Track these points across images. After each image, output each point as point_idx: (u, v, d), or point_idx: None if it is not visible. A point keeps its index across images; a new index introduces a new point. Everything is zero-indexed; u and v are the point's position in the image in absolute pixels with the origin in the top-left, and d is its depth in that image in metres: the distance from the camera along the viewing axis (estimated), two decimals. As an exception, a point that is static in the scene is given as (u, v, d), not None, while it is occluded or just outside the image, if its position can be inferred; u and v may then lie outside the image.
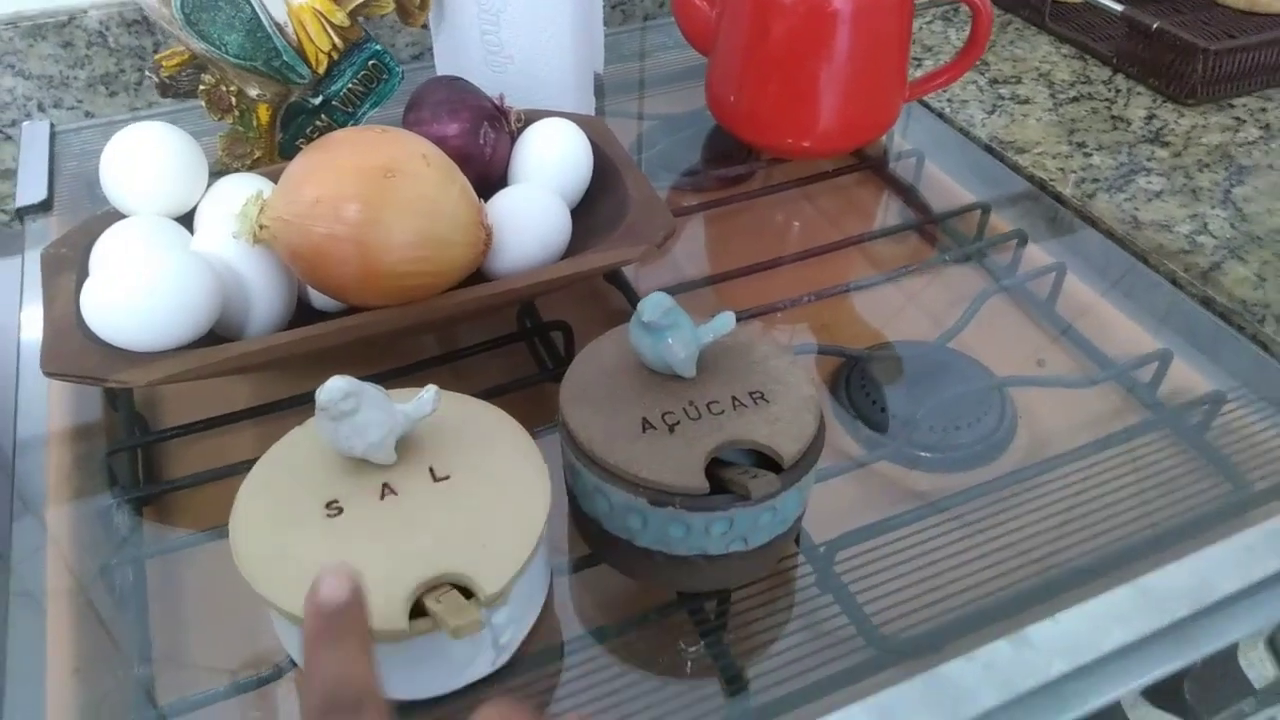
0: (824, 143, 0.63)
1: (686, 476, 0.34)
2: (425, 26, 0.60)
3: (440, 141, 0.46)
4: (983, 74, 0.79)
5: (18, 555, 0.42)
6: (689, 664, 0.39)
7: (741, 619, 0.40)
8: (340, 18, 0.53)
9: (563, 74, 0.61)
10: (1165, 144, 0.71)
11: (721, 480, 0.35)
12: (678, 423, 0.36)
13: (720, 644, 0.39)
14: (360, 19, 0.55)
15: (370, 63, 0.56)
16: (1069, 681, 0.36)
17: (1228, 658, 0.45)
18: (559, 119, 0.52)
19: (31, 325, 0.53)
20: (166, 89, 0.54)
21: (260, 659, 0.38)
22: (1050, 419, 0.49)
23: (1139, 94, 0.77)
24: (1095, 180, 0.67)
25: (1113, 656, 0.37)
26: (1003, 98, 0.76)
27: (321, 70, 0.54)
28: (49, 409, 0.49)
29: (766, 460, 0.36)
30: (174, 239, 0.45)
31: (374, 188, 0.41)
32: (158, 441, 0.47)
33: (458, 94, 0.50)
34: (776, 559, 0.40)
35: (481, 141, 0.50)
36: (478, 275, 0.47)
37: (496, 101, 0.52)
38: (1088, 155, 0.69)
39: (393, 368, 0.50)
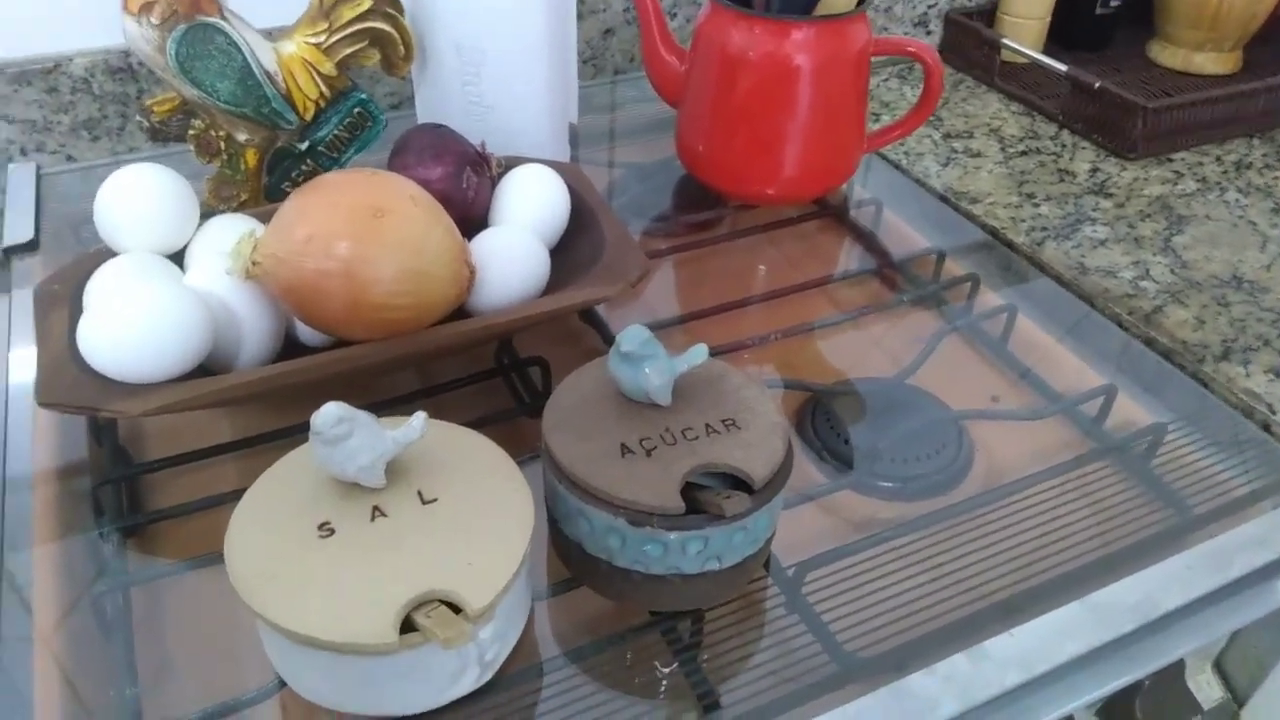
0: (788, 190, 0.66)
1: (664, 497, 0.36)
2: (407, 77, 0.62)
3: (424, 184, 0.49)
4: (937, 129, 0.84)
5: (6, 584, 0.43)
6: (664, 683, 0.40)
7: (713, 639, 0.41)
8: (328, 68, 0.56)
9: (540, 123, 0.63)
10: (1109, 195, 0.75)
11: (697, 502, 0.37)
12: (655, 448, 0.38)
13: (694, 664, 0.40)
14: (347, 69, 0.57)
15: (356, 110, 0.58)
16: (1024, 693, 0.38)
17: (1176, 677, 0.48)
18: (538, 165, 0.55)
19: (19, 365, 0.54)
20: (157, 133, 0.55)
21: (247, 682, 0.39)
22: (1005, 451, 0.52)
23: (1084, 148, 0.82)
24: (1044, 229, 0.70)
25: (1065, 669, 0.39)
26: (956, 151, 0.80)
27: (309, 117, 0.56)
28: (34, 447, 0.50)
29: (739, 484, 0.38)
30: (167, 275, 0.46)
31: (364, 226, 0.43)
32: (144, 473, 0.48)
33: (442, 140, 0.52)
34: (748, 579, 0.41)
35: (464, 185, 0.52)
36: (461, 312, 0.49)
37: (479, 148, 0.54)
38: (1036, 205, 0.73)
39: (375, 401, 0.51)
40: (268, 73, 0.54)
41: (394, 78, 0.62)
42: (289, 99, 0.55)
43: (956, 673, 0.38)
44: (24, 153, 0.71)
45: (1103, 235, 0.70)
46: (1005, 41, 0.88)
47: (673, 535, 0.37)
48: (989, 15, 0.95)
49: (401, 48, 0.58)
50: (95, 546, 0.44)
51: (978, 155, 0.80)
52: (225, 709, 0.38)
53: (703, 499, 0.37)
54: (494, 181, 0.54)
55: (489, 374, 0.54)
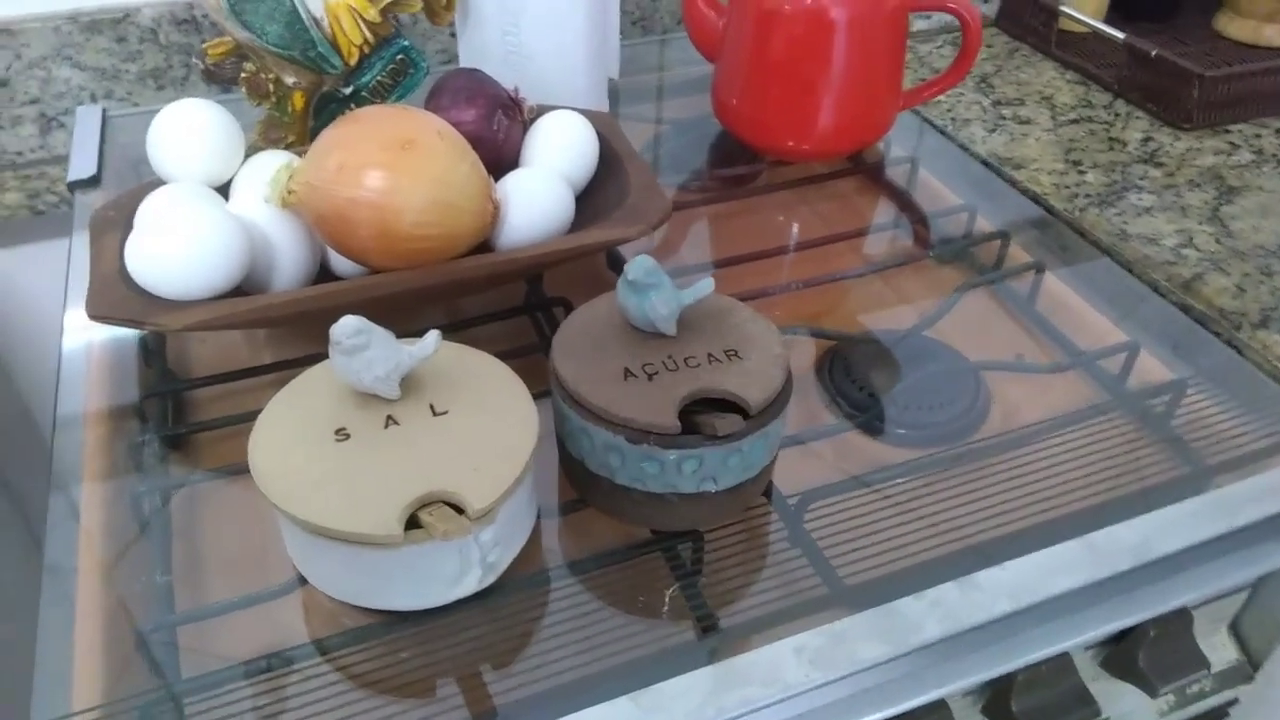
0: (822, 145, 0.66)
1: (660, 416, 0.38)
2: (450, 27, 0.64)
3: (457, 125, 0.50)
4: (987, 95, 0.83)
5: (57, 482, 0.46)
6: (666, 605, 0.41)
7: (714, 566, 0.43)
8: (372, 14, 0.58)
9: (577, 75, 0.65)
10: (1159, 164, 0.74)
11: (696, 425, 0.39)
12: (656, 373, 0.40)
13: (694, 587, 0.42)
14: (391, 16, 0.59)
15: (398, 57, 0.60)
16: (1019, 626, 0.39)
17: (1183, 631, 0.47)
18: (568, 111, 0.56)
19: (77, 293, 0.57)
20: (212, 75, 0.58)
21: (271, 580, 0.41)
22: (1023, 405, 0.52)
23: (1138, 118, 0.80)
24: (1087, 196, 0.69)
25: (1061, 605, 0.40)
26: (1004, 118, 0.80)
27: (353, 62, 0.59)
28: (89, 368, 0.53)
29: (741, 414, 0.39)
30: (211, 200, 0.49)
31: (393, 157, 0.45)
32: (188, 389, 0.51)
33: (475, 83, 0.54)
34: (744, 505, 0.43)
35: (495, 127, 0.54)
36: (487, 249, 0.51)
37: (511, 93, 0.56)
38: (1082, 173, 0.72)
39: (403, 333, 0.53)
40: (314, 18, 0.56)
41: (437, 26, 0.64)
42: (334, 44, 0.57)
43: (945, 599, 0.39)
44: (94, 99, 0.75)
45: (1148, 203, 0.69)
46: (1063, 9, 0.87)
47: (669, 454, 0.38)
48: (1047, -18, 0.93)
49: (444, -4, 0.60)
50: (140, 452, 0.47)
51: (1027, 122, 0.79)
52: (250, 600, 0.40)
53: (699, 420, 0.38)
54: (525, 126, 0.56)
55: (515, 311, 0.55)
